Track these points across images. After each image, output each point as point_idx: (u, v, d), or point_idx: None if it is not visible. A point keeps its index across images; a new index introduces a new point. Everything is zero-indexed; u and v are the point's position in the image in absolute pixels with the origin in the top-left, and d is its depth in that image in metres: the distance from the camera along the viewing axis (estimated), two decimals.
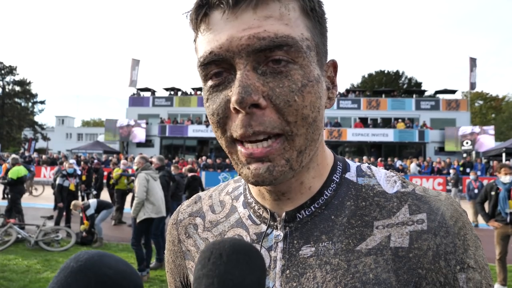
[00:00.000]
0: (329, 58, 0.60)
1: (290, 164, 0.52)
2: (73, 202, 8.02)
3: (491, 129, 24.39)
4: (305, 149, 0.53)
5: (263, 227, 0.62)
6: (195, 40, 0.56)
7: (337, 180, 0.62)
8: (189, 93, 31.18)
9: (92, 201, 7.83)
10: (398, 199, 0.59)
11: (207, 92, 0.54)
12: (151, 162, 6.22)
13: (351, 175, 0.63)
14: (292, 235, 0.60)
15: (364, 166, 0.66)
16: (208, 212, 0.71)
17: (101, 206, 7.79)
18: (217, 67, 0.52)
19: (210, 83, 0.54)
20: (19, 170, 8.67)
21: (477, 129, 24.32)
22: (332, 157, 0.65)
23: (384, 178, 0.63)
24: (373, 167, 0.66)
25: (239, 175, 0.55)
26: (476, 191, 10.56)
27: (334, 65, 0.60)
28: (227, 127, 0.53)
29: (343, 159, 0.67)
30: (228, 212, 0.68)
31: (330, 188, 0.61)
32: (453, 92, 29.44)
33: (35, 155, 26.29)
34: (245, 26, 0.49)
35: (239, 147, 0.52)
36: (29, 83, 44.72)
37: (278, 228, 0.61)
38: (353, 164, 0.66)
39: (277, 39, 0.48)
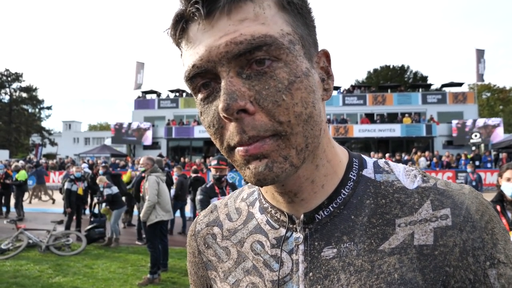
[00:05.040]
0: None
1: (289, 161, 0.50)
2: (99, 177, 8.47)
3: (498, 121, 24.16)
4: (306, 146, 0.51)
5: (282, 231, 0.61)
6: (181, 56, 0.56)
7: (354, 178, 0.60)
8: None
9: (114, 187, 8.13)
10: (419, 194, 0.57)
11: (199, 105, 0.54)
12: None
13: (369, 172, 0.61)
14: (312, 236, 0.58)
15: (382, 162, 0.64)
16: (225, 220, 0.70)
17: (117, 197, 8.04)
18: (202, 79, 0.52)
19: (200, 96, 0.53)
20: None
21: (491, 121, 24.07)
22: (346, 154, 0.63)
23: (403, 173, 0.60)
24: (390, 163, 0.64)
25: (244, 179, 0.54)
26: (473, 183, 10.76)
27: (326, 54, 0.57)
28: (224, 138, 0.52)
29: (359, 155, 0.64)
30: (246, 219, 0.67)
31: (348, 186, 0.59)
32: (460, 85, 29.18)
33: (43, 160, 26.52)
34: (221, 33, 0.48)
35: (236, 149, 0.51)
36: (36, 89, 45.21)
37: (298, 230, 0.59)
38: (369, 160, 0.64)
39: (254, 41, 0.47)
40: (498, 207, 2.92)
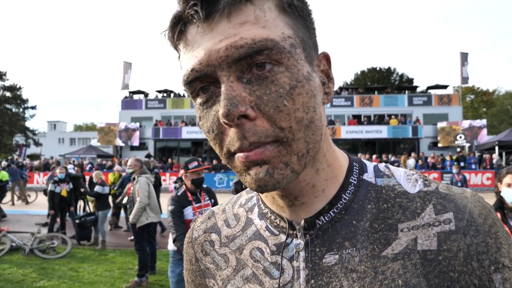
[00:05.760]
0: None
1: (291, 168, 0.49)
2: (95, 173, 8.47)
3: (483, 123, 24.73)
4: (307, 151, 0.50)
5: (282, 237, 0.60)
6: (178, 58, 0.55)
7: (355, 183, 0.59)
8: (182, 94, 31.10)
9: (107, 187, 8.13)
10: (421, 199, 0.56)
11: (198, 110, 0.53)
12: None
13: (369, 176, 0.60)
14: (313, 243, 0.57)
15: (382, 166, 0.63)
16: (223, 226, 0.69)
17: (104, 198, 7.96)
18: (201, 83, 0.50)
19: (198, 100, 0.52)
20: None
21: (476, 123, 24.61)
22: (346, 158, 0.62)
23: (404, 177, 0.60)
24: (391, 167, 0.63)
25: (245, 185, 0.53)
26: (459, 184, 10.96)
27: (326, 57, 0.57)
28: (223, 143, 0.51)
29: (359, 159, 0.64)
30: (244, 225, 0.66)
31: (348, 191, 0.58)
32: (445, 87, 29.74)
33: (27, 161, 26.01)
34: (221, 36, 0.47)
35: (236, 155, 0.50)
36: (20, 88, 44.22)
37: (298, 236, 0.58)
38: (370, 164, 0.63)
39: (255, 45, 0.46)
40: (499, 215, 2.73)
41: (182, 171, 4.01)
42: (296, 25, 0.51)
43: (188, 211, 3.86)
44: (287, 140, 0.48)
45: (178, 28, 0.51)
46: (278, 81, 0.47)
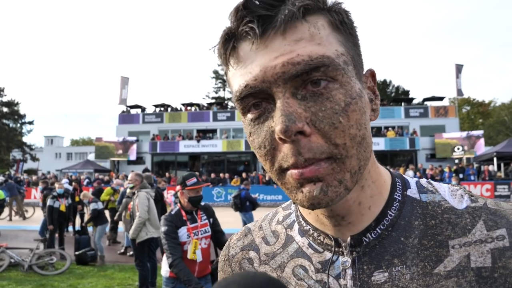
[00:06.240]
0: None
1: (344, 185, 0.49)
2: (83, 193, 8.51)
3: (481, 133, 24.95)
4: (359, 169, 0.50)
5: (328, 255, 0.58)
6: (226, 74, 0.55)
7: (399, 199, 0.58)
8: (179, 109, 31.18)
9: (100, 203, 8.18)
10: (470, 215, 0.55)
11: (248, 125, 0.53)
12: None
13: (413, 192, 0.60)
14: (361, 260, 0.56)
15: (424, 181, 0.63)
16: (262, 244, 0.67)
17: (101, 214, 7.94)
18: (254, 98, 0.51)
19: (250, 116, 0.52)
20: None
21: (473, 133, 24.88)
22: (388, 174, 0.62)
23: (449, 193, 0.59)
24: (433, 182, 0.63)
25: (294, 202, 0.52)
26: None
27: (372, 74, 0.58)
28: (275, 159, 0.50)
29: (400, 175, 0.63)
30: (284, 242, 0.65)
31: (393, 207, 0.57)
32: (441, 99, 29.95)
33: (24, 176, 25.84)
34: (276, 53, 0.47)
35: (289, 171, 0.49)
36: (17, 103, 44.30)
37: (345, 254, 0.57)
38: (412, 180, 0.63)
39: (312, 62, 0.47)
40: None
41: (178, 187, 3.52)
42: (347, 43, 0.51)
43: (182, 233, 3.37)
44: (341, 156, 0.48)
45: (231, 45, 0.51)
46: (333, 97, 0.48)
